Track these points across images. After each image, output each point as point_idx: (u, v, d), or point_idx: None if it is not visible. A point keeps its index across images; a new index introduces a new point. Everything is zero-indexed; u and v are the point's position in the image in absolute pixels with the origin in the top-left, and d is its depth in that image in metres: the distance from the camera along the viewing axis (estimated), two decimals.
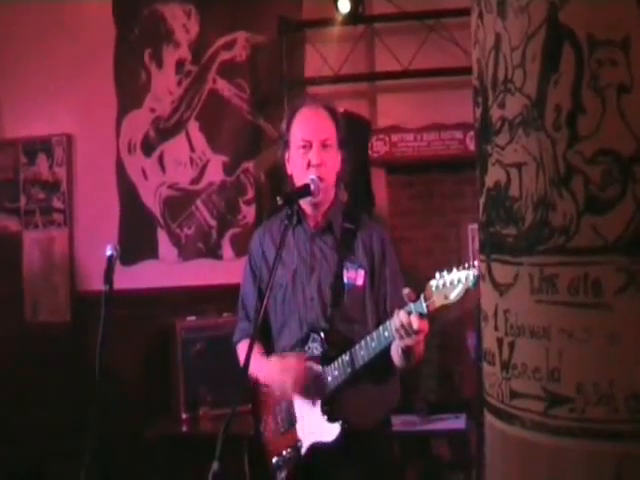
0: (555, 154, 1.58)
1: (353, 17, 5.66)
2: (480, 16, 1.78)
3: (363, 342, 3.15)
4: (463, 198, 5.56)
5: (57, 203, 6.29)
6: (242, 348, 3.52)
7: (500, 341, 1.68)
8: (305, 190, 3.26)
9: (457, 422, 5.24)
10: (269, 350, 3.47)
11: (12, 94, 6.30)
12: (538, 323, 1.59)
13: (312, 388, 3.29)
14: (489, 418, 1.76)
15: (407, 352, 3.10)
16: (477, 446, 4.86)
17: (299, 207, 3.39)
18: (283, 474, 3.34)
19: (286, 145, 3.43)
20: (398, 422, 3.80)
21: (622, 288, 1.51)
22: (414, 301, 3.00)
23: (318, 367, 3.29)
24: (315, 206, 3.39)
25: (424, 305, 2.96)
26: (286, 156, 3.44)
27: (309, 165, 3.30)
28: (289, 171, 3.43)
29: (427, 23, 5.60)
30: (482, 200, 1.79)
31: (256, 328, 3.14)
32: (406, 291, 3.05)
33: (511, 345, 1.65)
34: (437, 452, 5.43)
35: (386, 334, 3.09)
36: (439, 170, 5.75)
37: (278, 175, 5.74)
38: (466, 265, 2.86)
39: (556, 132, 1.58)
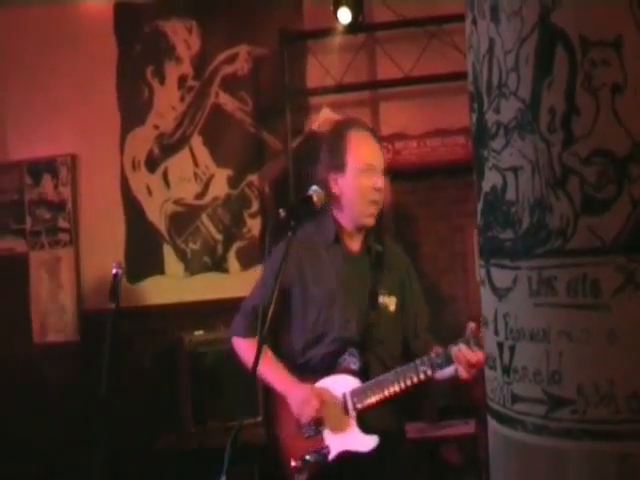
0: (550, 156, 1.58)
1: (354, 26, 5.64)
2: (474, 22, 1.78)
3: (420, 366, 3.32)
4: (467, 202, 5.52)
5: (63, 223, 6.27)
6: (245, 346, 3.58)
7: (500, 345, 1.68)
8: (307, 202, 3.26)
9: (466, 427, 5.22)
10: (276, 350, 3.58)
11: (16, 116, 6.30)
12: (537, 326, 1.59)
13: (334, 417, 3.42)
14: (492, 423, 1.76)
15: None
16: (487, 451, 4.84)
17: (339, 225, 3.56)
18: (303, 477, 3.38)
19: (340, 169, 3.50)
20: (407, 428, 3.80)
21: (620, 288, 1.50)
22: (477, 336, 3.18)
23: (355, 381, 3.40)
24: (358, 228, 3.56)
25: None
26: (334, 177, 3.52)
27: (374, 189, 3.47)
28: (337, 192, 3.52)
29: (428, 29, 5.59)
30: (480, 205, 1.79)
31: (263, 331, 3.07)
32: (472, 325, 3.24)
33: (511, 349, 1.65)
34: (447, 458, 5.41)
35: (439, 361, 3.31)
36: (443, 176, 5.73)
37: (282, 187, 5.82)
38: None
39: (551, 134, 1.58)
